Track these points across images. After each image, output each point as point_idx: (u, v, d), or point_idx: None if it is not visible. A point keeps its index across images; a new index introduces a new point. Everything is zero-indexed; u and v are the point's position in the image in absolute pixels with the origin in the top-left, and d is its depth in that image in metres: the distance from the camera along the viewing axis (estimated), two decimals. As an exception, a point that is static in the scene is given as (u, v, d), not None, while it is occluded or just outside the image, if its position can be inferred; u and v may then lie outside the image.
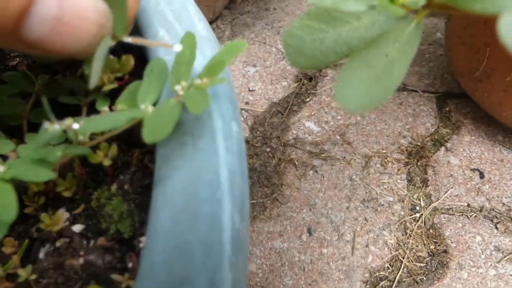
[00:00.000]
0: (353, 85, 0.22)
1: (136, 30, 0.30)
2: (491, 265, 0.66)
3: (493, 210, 0.71)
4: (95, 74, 0.21)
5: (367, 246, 0.70)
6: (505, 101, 0.66)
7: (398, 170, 0.77)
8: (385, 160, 0.78)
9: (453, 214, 0.71)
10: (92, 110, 0.30)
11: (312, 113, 0.87)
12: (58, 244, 0.27)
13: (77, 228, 0.26)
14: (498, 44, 0.20)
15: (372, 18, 0.23)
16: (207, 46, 0.26)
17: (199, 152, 0.21)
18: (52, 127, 0.21)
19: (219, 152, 0.21)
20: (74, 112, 0.31)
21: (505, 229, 0.69)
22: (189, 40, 0.23)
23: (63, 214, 0.26)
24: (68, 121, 0.23)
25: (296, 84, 0.92)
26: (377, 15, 0.23)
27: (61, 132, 0.23)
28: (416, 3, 0.19)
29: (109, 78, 0.26)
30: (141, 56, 0.32)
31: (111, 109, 0.27)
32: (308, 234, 0.72)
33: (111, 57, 0.27)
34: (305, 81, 0.92)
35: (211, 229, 0.18)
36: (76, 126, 0.23)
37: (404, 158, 0.78)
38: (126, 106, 0.26)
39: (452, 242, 0.69)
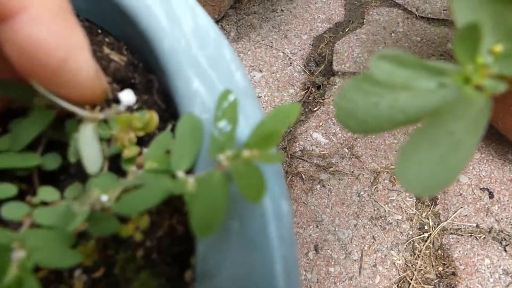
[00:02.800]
0: (415, 165, 0.20)
1: (162, 73, 0.28)
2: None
3: (502, 231, 0.70)
4: (91, 161, 0.19)
5: (374, 266, 0.69)
6: (521, 123, 0.65)
7: (407, 187, 0.76)
8: (394, 176, 0.77)
9: (462, 235, 0.70)
10: (113, 161, 0.27)
11: (320, 124, 0.85)
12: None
13: (100, 297, 0.24)
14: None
15: (427, 87, 0.21)
16: (248, 103, 0.23)
17: (248, 243, 0.18)
18: (79, 207, 0.19)
19: (271, 243, 0.19)
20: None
21: (514, 252, 0.68)
22: (228, 100, 0.21)
23: (82, 281, 0.24)
24: (95, 192, 0.20)
25: (303, 92, 0.90)
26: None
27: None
28: (496, 87, 0.17)
29: (131, 139, 0.24)
30: (165, 108, 0.29)
31: (138, 167, 0.25)
32: (315, 252, 0.70)
33: (133, 114, 0.24)
34: (313, 90, 0.90)
35: None
36: (104, 198, 0.20)
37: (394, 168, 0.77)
38: (156, 164, 0.24)
39: (460, 264, 0.68)
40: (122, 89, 0.33)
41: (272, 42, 0.99)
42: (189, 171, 0.21)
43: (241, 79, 0.25)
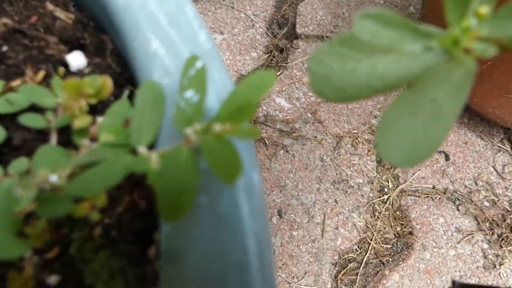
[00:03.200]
0: (396, 135, 0.19)
1: (116, 33, 0.25)
2: (451, 245, 0.69)
3: (455, 192, 0.73)
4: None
5: (336, 228, 0.70)
6: (478, 88, 0.67)
7: (368, 151, 0.77)
8: (356, 140, 0.78)
9: (419, 196, 0.73)
10: (63, 134, 0.24)
11: (283, 89, 0.83)
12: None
13: (53, 280, 0.22)
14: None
15: (412, 50, 0.20)
16: (214, 68, 0.21)
17: (220, 219, 0.17)
18: (23, 191, 0.16)
19: (243, 218, 0.17)
20: (39, 136, 0.25)
21: (465, 210, 0.72)
22: (195, 67, 0.19)
23: (33, 264, 0.22)
24: (42, 171, 0.18)
25: (266, 56, 0.87)
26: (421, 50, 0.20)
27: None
28: (487, 50, 0.16)
29: (82, 108, 0.21)
30: (120, 72, 0.26)
31: (91, 140, 0.22)
32: (278, 217, 0.71)
33: (83, 78, 0.22)
34: (276, 53, 0.88)
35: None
36: (53, 178, 0.18)
37: (374, 138, 0.78)
38: (112, 137, 0.21)
39: (417, 224, 0.71)
40: (70, 50, 0.29)
41: (233, 3, 0.95)
42: (151, 146, 0.19)
43: (205, 40, 0.22)
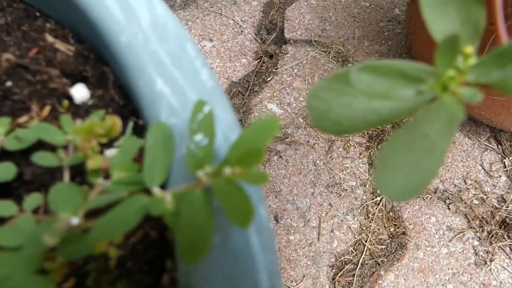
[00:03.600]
0: (392, 171, 0.20)
1: (118, 68, 0.26)
2: (443, 244, 0.71)
3: (446, 191, 0.76)
4: None
5: (332, 231, 0.72)
6: (464, 90, 0.69)
7: (360, 154, 0.79)
8: (348, 144, 0.79)
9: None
10: (76, 172, 0.25)
11: (274, 94, 0.84)
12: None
13: (72, 312, 0.23)
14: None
15: (405, 95, 0.21)
16: (218, 106, 0.22)
17: (232, 255, 0.18)
18: (50, 238, 0.17)
19: (255, 254, 0.18)
20: (49, 171, 0.26)
21: (456, 209, 0.74)
22: (203, 111, 0.20)
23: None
24: (64, 215, 0.19)
25: (256, 62, 0.88)
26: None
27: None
28: (474, 97, 0.17)
29: (94, 148, 0.22)
30: (123, 105, 0.27)
31: (105, 177, 0.23)
32: (275, 222, 0.72)
33: (92, 119, 0.23)
34: (266, 59, 0.89)
35: None
36: (75, 221, 0.19)
37: (365, 141, 0.80)
38: (124, 173, 0.22)
39: (410, 224, 0.73)
40: (73, 83, 0.30)
41: (221, 9, 0.95)
42: (163, 186, 0.20)
43: (207, 78, 0.23)
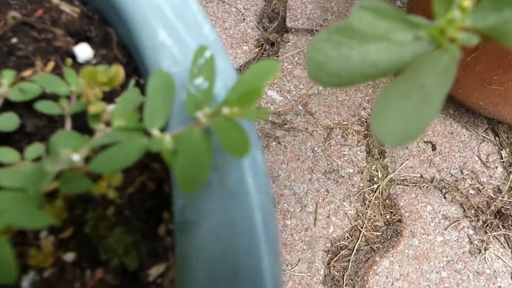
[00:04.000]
0: (388, 117, 0.20)
1: (126, 28, 0.26)
2: (439, 232, 0.72)
3: (442, 180, 0.76)
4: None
5: (328, 217, 0.73)
6: (462, 79, 0.69)
7: (358, 142, 0.79)
8: (346, 131, 0.80)
9: (407, 185, 0.76)
10: (77, 120, 0.26)
11: (275, 81, 0.85)
12: (46, 274, 0.24)
13: (69, 257, 0.24)
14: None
15: (403, 39, 0.22)
16: (219, 58, 0.23)
17: (229, 194, 0.19)
18: (51, 166, 0.18)
19: (250, 193, 0.19)
20: (51, 124, 0.27)
21: (452, 198, 0.74)
22: (204, 56, 0.20)
23: (50, 242, 0.24)
24: (65, 151, 0.19)
25: (257, 50, 0.89)
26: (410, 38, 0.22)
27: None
28: (470, 40, 0.18)
29: (96, 94, 0.22)
30: (126, 63, 0.28)
31: (106, 124, 0.24)
32: (272, 206, 0.73)
33: (97, 67, 0.23)
34: (267, 47, 0.89)
35: (253, 284, 0.17)
36: (76, 157, 0.20)
37: (363, 130, 0.80)
38: (124, 122, 0.23)
39: (406, 212, 0.73)
40: (77, 42, 0.31)
41: (224, -3, 0.96)
42: (163, 129, 0.21)
43: (209, 32, 0.24)
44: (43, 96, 0.27)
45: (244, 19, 0.92)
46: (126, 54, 0.29)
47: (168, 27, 0.24)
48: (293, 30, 0.91)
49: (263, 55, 0.88)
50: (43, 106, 0.24)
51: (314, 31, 0.91)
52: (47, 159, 0.19)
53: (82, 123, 0.26)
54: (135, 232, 0.23)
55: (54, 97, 0.27)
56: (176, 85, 0.22)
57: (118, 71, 0.23)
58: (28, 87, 0.27)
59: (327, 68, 0.22)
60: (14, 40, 0.30)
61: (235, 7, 0.94)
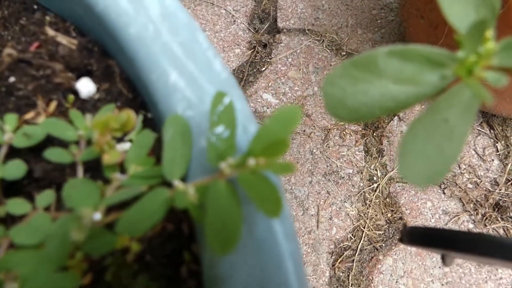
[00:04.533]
0: (415, 157, 0.20)
1: (130, 63, 0.25)
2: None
3: (441, 176, 0.77)
4: None
5: (330, 218, 0.73)
6: (458, 76, 0.69)
7: (356, 142, 0.79)
8: (344, 132, 0.80)
9: (406, 183, 0.76)
10: (89, 168, 0.25)
11: (269, 84, 0.84)
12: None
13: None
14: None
15: (430, 80, 0.21)
16: (234, 96, 0.22)
17: (258, 245, 0.18)
18: (78, 235, 0.17)
19: (280, 242, 0.19)
20: (59, 167, 0.26)
21: (451, 193, 0.75)
22: (223, 103, 0.20)
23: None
24: (87, 211, 0.19)
25: (250, 52, 0.88)
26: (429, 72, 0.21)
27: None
28: (499, 80, 0.18)
29: (109, 143, 0.22)
30: (132, 98, 0.27)
31: (121, 171, 0.23)
32: (274, 211, 0.73)
33: (108, 113, 0.22)
34: (259, 48, 0.88)
35: None
36: (97, 216, 0.19)
37: (360, 129, 0.80)
38: (141, 167, 0.22)
39: (406, 209, 0.74)
40: (77, 77, 0.30)
41: (212, -1, 0.94)
42: (183, 179, 0.20)
43: (221, 69, 0.23)
44: (48, 139, 0.26)
45: (234, 21, 0.91)
46: (130, 88, 0.29)
47: (178, 67, 0.23)
48: (285, 30, 0.90)
49: (256, 58, 0.87)
50: (53, 154, 0.23)
51: (306, 31, 0.90)
52: (66, 221, 0.18)
53: (90, 163, 0.26)
54: (159, 278, 0.23)
55: (62, 141, 0.26)
56: (192, 130, 0.21)
57: (130, 116, 0.22)
58: (33, 131, 0.26)
59: (345, 104, 0.22)
60: (12, 79, 0.28)
61: (225, 9, 0.93)
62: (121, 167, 0.24)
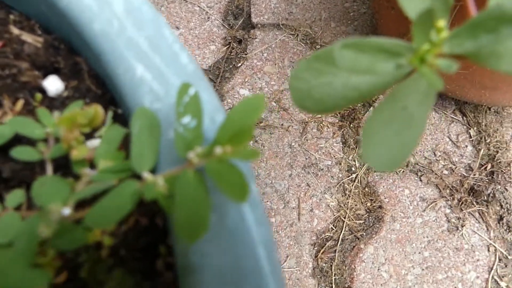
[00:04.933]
0: (376, 143, 0.21)
1: (97, 59, 0.25)
2: (418, 214, 0.74)
3: (417, 164, 0.78)
4: None
5: (311, 210, 0.74)
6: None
7: (334, 133, 0.80)
8: (321, 124, 0.81)
9: (384, 172, 0.77)
10: (60, 165, 0.25)
11: (246, 80, 0.84)
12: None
13: (68, 307, 0.23)
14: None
15: (386, 70, 0.22)
16: (201, 88, 0.22)
17: (229, 233, 0.18)
18: (46, 229, 0.17)
19: (251, 229, 0.19)
20: (27, 166, 0.26)
21: (427, 180, 0.77)
22: (189, 94, 0.20)
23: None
24: (55, 206, 0.19)
25: (225, 48, 0.88)
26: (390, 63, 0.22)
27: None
28: (450, 67, 0.18)
29: (78, 139, 0.21)
30: (101, 94, 0.27)
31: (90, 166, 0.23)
32: (255, 206, 0.73)
33: (76, 109, 0.22)
34: (234, 44, 0.88)
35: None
36: (67, 211, 0.19)
37: (337, 121, 0.81)
38: (110, 162, 0.22)
39: (385, 198, 0.75)
40: (45, 75, 0.29)
41: (186, -4, 0.94)
42: (152, 171, 0.20)
43: (188, 61, 0.23)
44: (16, 138, 0.26)
45: (208, 17, 0.91)
46: (99, 84, 0.28)
47: (144, 61, 0.23)
48: (259, 25, 0.90)
49: (232, 54, 0.87)
50: (20, 153, 0.23)
51: (281, 25, 0.90)
52: (35, 218, 0.18)
53: (61, 160, 0.25)
54: (135, 272, 0.23)
55: (30, 139, 0.26)
56: (160, 122, 0.21)
57: (97, 111, 0.22)
58: (0, 130, 0.25)
59: (311, 96, 0.22)
60: (-24, 79, 0.28)
61: (198, 6, 0.92)
62: (91, 163, 0.24)
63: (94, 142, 0.25)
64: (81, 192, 0.19)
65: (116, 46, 0.23)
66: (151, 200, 0.18)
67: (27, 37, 0.30)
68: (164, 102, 0.22)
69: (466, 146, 0.80)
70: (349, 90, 0.22)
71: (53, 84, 0.28)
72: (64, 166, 0.26)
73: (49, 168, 0.23)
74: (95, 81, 0.28)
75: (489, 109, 0.83)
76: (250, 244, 0.19)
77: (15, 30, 0.31)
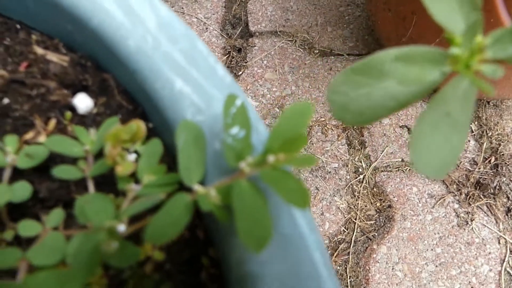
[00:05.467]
0: (424, 151, 0.21)
1: (129, 75, 0.25)
2: (427, 211, 0.75)
3: (422, 161, 0.79)
4: None
5: (322, 214, 0.74)
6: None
7: (338, 136, 0.81)
8: (325, 127, 0.81)
9: (391, 171, 0.78)
10: (96, 182, 0.25)
11: (248, 87, 0.85)
12: None
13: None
14: (425, 12, 0.21)
15: (432, 78, 0.22)
16: (238, 97, 0.23)
17: (284, 239, 0.19)
18: (107, 247, 0.17)
19: (304, 234, 0.19)
20: (63, 184, 0.26)
21: (434, 177, 0.78)
22: (235, 105, 0.20)
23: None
24: (110, 223, 0.19)
25: (225, 57, 0.88)
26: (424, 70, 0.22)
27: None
28: (495, 72, 0.19)
29: (121, 155, 0.22)
30: (133, 109, 0.27)
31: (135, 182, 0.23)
32: (266, 213, 0.73)
33: (117, 125, 0.22)
34: (234, 53, 0.89)
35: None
36: (122, 228, 0.19)
37: (341, 123, 0.82)
38: (153, 176, 0.22)
39: (394, 197, 0.76)
40: (73, 93, 0.29)
41: (183, 8, 0.94)
42: (201, 183, 0.20)
43: (224, 74, 0.24)
44: (50, 158, 0.26)
45: (206, 28, 0.92)
46: (129, 99, 0.29)
47: (182, 74, 0.23)
48: (257, 33, 0.91)
49: (232, 62, 0.88)
50: (62, 172, 0.23)
51: (278, 32, 0.91)
52: (88, 237, 0.18)
53: (98, 178, 0.25)
54: (181, 286, 0.23)
55: (63, 157, 0.26)
56: (205, 134, 0.22)
57: (139, 126, 0.22)
58: (35, 151, 0.25)
59: (350, 108, 0.23)
60: (6, 100, 0.28)
61: (196, 17, 0.93)
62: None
63: (130, 157, 0.25)
64: (132, 207, 0.20)
65: (152, 61, 0.24)
66: (205, 211, 0.18)
67: (52, 56, 0.31)
68: (206, 114, 0.22)
69: (469, 141, 0.81)
70: (387, 100, 0.22)
71: (83, 102, 0.28)
72: (100, 183, 0.26)
73: (91, 186, 0.23)
74: (125, 97, 0.29)
75: (488, 103, 0.85)
76: (306, 249, 0.19)
77: (39, 50, 0.31)
